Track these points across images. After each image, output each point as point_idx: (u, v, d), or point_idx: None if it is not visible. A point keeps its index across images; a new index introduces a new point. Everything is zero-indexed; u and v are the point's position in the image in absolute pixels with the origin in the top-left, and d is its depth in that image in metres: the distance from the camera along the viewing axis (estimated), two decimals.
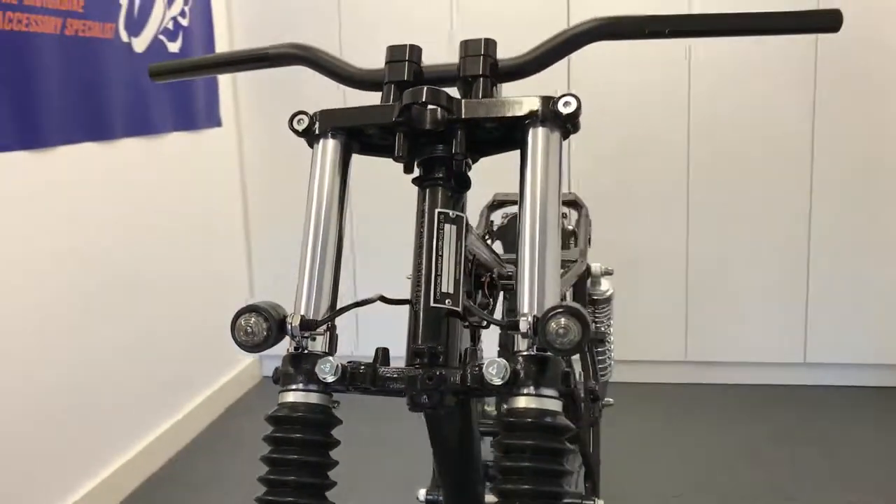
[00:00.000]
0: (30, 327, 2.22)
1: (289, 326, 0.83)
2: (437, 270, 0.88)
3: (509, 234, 2.18)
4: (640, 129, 3.37)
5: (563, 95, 0.88)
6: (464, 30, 3.41)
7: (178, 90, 3.05)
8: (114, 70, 2.64)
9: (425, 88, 0.87)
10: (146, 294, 2.81)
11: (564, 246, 2.06)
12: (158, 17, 2.93)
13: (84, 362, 2.46)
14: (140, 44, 2.81)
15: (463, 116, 0.88)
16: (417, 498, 1.64)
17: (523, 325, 0.78)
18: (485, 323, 0.91)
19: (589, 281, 1.98)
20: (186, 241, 3.11)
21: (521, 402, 0.79)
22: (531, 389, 0.79)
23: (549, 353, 0.80)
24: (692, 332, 3.48)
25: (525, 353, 0.80)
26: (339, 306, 0.89)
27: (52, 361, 2.31)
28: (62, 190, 2.39)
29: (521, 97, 0.89)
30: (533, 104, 0.88)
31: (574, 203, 2.17)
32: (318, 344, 0.86)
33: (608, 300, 2.01)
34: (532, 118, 0.88)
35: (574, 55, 3.35)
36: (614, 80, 3.35)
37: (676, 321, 3.48)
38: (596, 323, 2.04)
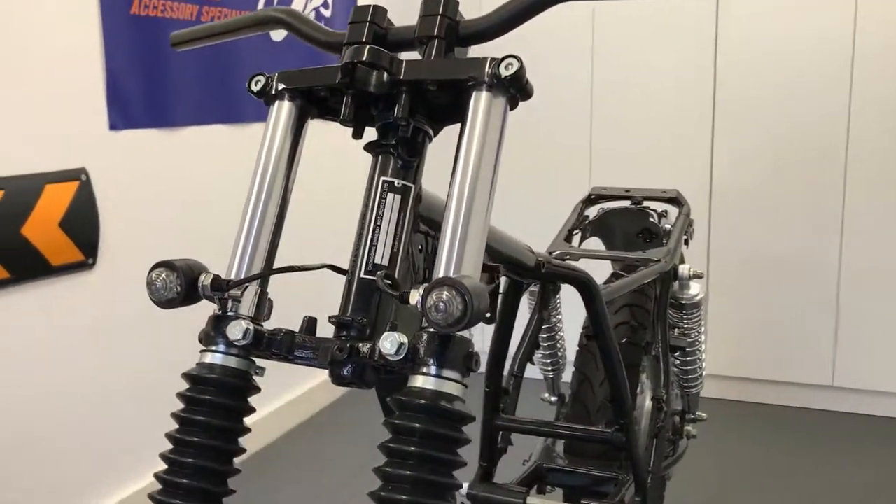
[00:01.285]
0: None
1: (200, 286, 0.82)
2: (373, 241, 0.84)
3: (604, 228, 2.08)
4: (791, 123, 3.10)
5: (505, 57, 0.80)
6: None
7: None
8: (248, 57, 2.77)
9: (367, 48, 0.83)
10: None
11: (657, 245, 1.93)
12: (299, 8, 3.05)
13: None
14: (278, 33, 2.93)
15: (402, 78, 0.83)
16: (459, 492, 1.60)
17: (413, 298, 0.73)
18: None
19: (677, 284, 1.84)
20: (309, 230, 3.21)
21: (419, 381, 0.74)
22: (430, 369, 0.73)
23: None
24: (842, 354, 3.16)
25: (429, 330, 0.74)
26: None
27: (146, 354, 2.46)
28: (189, 167, 2.54)
29: (467, 59, 0.83)
30: (475, 66, 0.81)
31: (675, 200, 2.03)
32: (244, 308, 0.84)
33: (697, 305, 1.86)
34: (474, 81, 0.81)
35: (722, 38, 3.22)
36: (762, 67, 3.10)
37: (824, 341, 3.18)
38: (684, 329, 1.89)
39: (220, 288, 0.82)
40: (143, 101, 2.36)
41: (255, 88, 0.92)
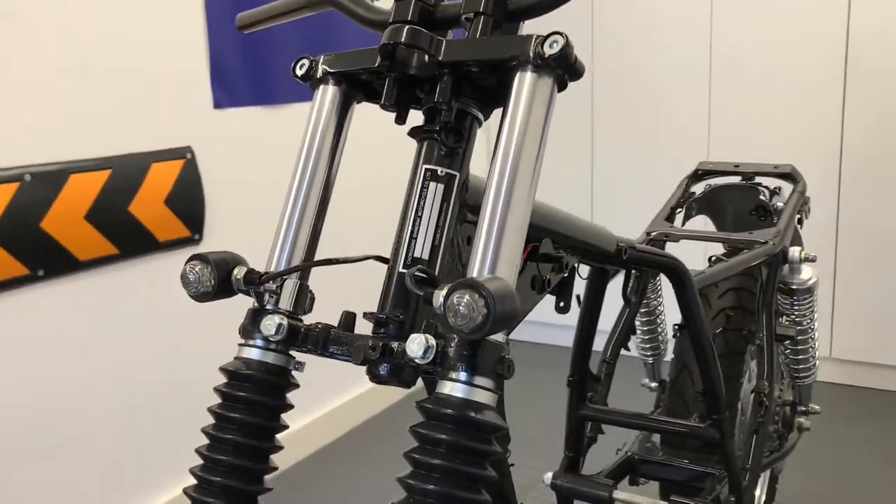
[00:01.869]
0: None
1: (234, 279, 0.79)
2: (413, 233, 0.80)
3: (712, 205, 1.95)
4: None
5: (550, 34, 0.73)
6: None
7: None
8: (352, 31, 2.76)
9: (405, 28, 0.78)
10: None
11: (767, 224, 1.79)
12: None
13: None
14: None
15: (442, 59, 0.78)
16: (543, 481, 1.55)
17: (436, 300, 0.67)
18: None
19: (787, 268, 1.70)
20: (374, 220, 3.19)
21: (447, 387, 0.69)
22: (460, 375, 0.68)
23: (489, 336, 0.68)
24: None
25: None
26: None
27: None
28: (292, 145, 2.57)
29: (510, 37, 0.76)
30: (518, 45, 0.75)
31: (789, 176, 1.87)
32: (282, 301, 0.82)
33: (809, 290, 1.72)
34: (517, 61, 0.75)
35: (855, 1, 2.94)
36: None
37: None
38: (794, 316, 1.75)
39: (253, 282, 0.79)
40: (247, 80, 2.39)
41: (299, 73, 0.88)
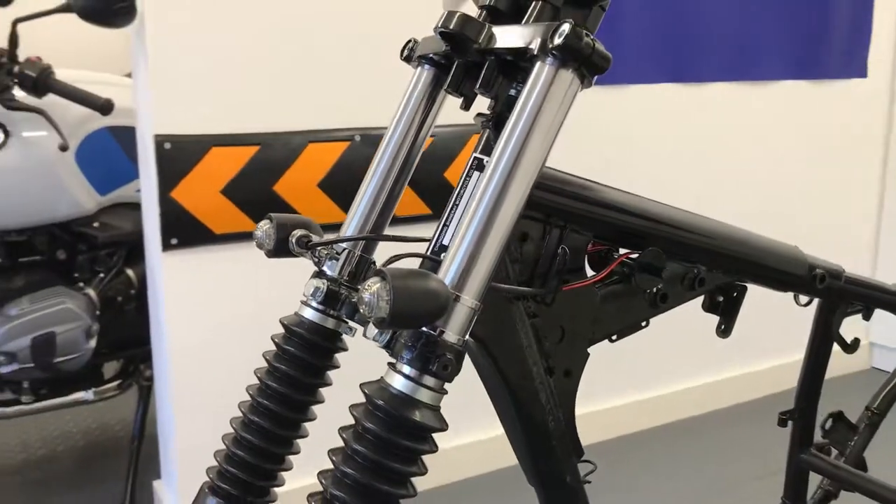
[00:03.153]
0: None
1: (290, 241, 0.86)
2: (446, 221, 0.80)
3: None
4: None
5: (562, 22, 0.66)
6: None
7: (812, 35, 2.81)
8: (712, 11, 2.60)
9: (455, 15, 0.76)
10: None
11: None
12: None
13: None
14: None
15: (480, 45, 0.75)
16: None
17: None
18: None
19: None
20: (816, 197, 2.95)
21: (388, 376, 0.69)
22: (402, 367, 0.68)
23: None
24: None
25: None
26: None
27: None
28: (633, 127, 2.54)
29: (536, 25, 0.70)
30: (537, 32, 0.69)
31: None
32: (334, 268, 0.87)
33: None
34: (537, 50, 0.69)
35: None
36: None
37: None
38: None
39: (304, 246, 0.85)
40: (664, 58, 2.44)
41: (405, 54, 0.91)
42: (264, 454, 0.85)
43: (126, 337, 2.30)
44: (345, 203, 2.09)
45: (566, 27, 0.66)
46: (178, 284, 1.96)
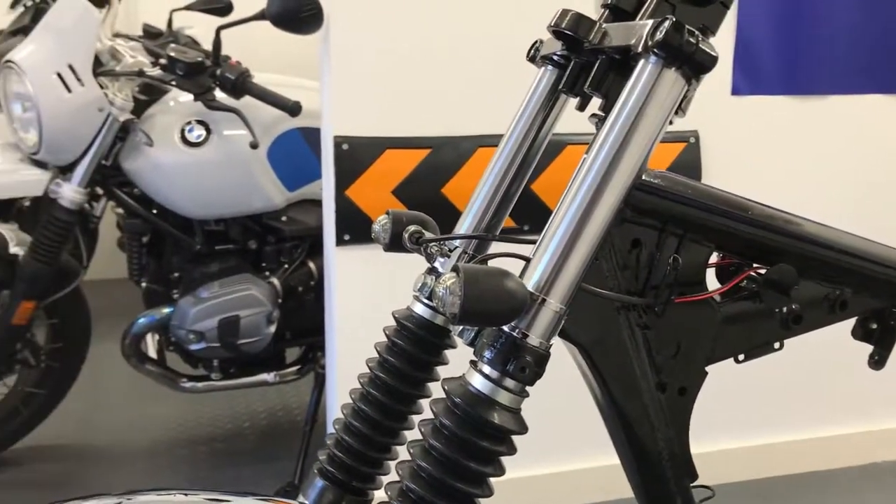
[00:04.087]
0: None
1: (404, 237, 0.88)
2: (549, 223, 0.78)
3: None
4: None
5: (664, 19, 0.63)
6: None
7: None
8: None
9: (568, 13, 0.75)
10: None
11: None
12: None
13: None
14: None
15: (591, 43, 0.72)
16: None
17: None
18: None
19: None
20: None
21: (469, 374, 0.68)
22: (483, 366, 0.67)
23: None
24: None
25: None
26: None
27: None
28: (824, 138, 2.35)
29: (640, 23, 0.67)
30: (642, 29, 0.65)
31: None
32: (445, 265, 0.87)
33: None
34: (640, 48, 0.66)
35: None
36: None
37: None
38: None
39: (416, 242, 0.87)
40: (775, 67, 2.27)
41: (530, 54, 0.90)
42: (371, 442, 0.87)
43: (306, 325, 2.44)
44: (514, 208, 2.10)
45: (667, 23, 0.63)
46: (348, 278, 2.05)
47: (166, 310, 2.27)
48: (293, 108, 2.09)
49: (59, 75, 2.06)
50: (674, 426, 0.81)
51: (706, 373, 0.82)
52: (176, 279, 2.32)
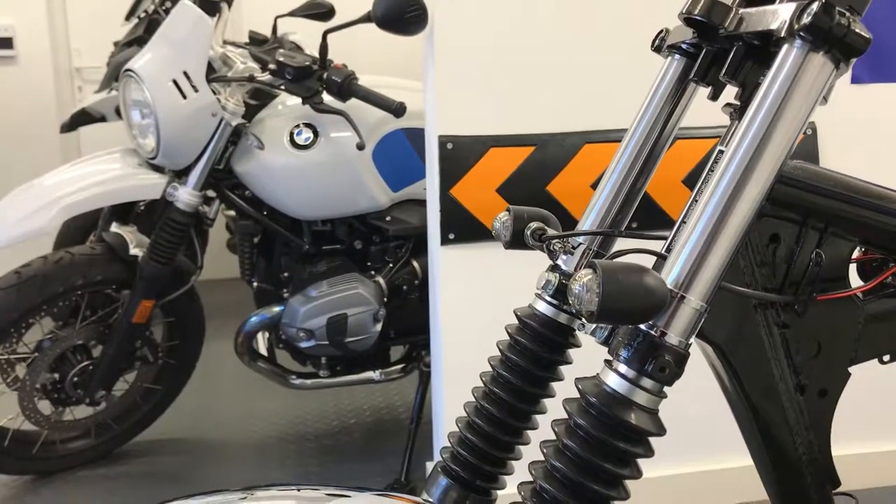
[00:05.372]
0: None
1: (525, 234, 0.86)
2: (685, 217, 0.75)
3: None
4: None
5: (810, 1, 0.59)
6: None
7: None
8: None
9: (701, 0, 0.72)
10: None
11: None
12: None
13: None
14: None
15: (727, 30, 0.69)
16: None
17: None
18: None
19: None
20: None
21: (604, 374, 0.66)
22: (619, 366, 0.65)
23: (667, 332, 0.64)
24: None
25: None
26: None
27: None
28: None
29: (783, 6, 0.64)
30: (786, 12, 0.62)
31: None
32: (568, 262, 0.86)
33: None
34: (784, 32, 0.63)
35: None
36: None
37: None
38: None
39: (538, 239, 0.85)
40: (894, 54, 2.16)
41: (656, 44, 0.88)
42: (494, 441, 0.86)
43: (410, 324, 2.46)
44: None
45: (815, 5, 0.60)
46: (453, 277, 2.05)
47: (277, 308, 2.33)
48: (398, 110, 2.10)
49: (175, 82, 2.13)
50: (814, 430, 0.78)
51: (849, 374, 0.78)
52: (286, 279, 2.37)
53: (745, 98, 0.71)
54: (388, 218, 2.37)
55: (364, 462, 2.59)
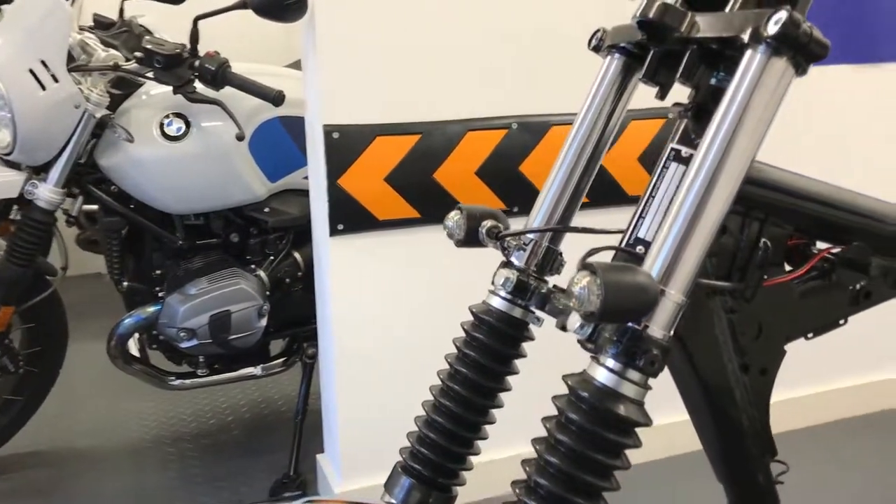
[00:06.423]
0: None
1: (480, 232, 0.88)
2: (642, 213, 0.79)
3: None
4: None
5: (777, 9, 0.64)
6: None
7: None
8: None
9: (657, 2, 0.75)
10: None
11: None
12: None
13: None
14: None
15: (684, 35, 0.73)
16: None
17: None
18: None
19: None
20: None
21: (593, 370, 0.69)
22: (607, 360, 0.68)
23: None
24: None
25: None
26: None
27: None
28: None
29: (745, 12, 0.68)
30: (747, 21, 0.67)
31: None
32: (522, 258, 0.88)
33: None
34: (748, 38, 0.67)
35: None
36: None
37: None
38: None
39: (494, 236, 0.87)
40: (835, 37, 2.36)
41: (593, 43, 0.91)
42: (454, 437, 0.88)
43: (292, 316, 2.41)
44: (502, 191, 2.11)
45: (783, 14, 0.64)
46: (343, 267, 2.03)
47: (152, 308, 2.22)
48: (277, 98, 2.05)
49: (32, 72, 1.97)
50: (756, 406, 0.84)
51: (785, 352, 0.85)
52: (159, 276, 2.27)
53: (700, 99, 0.75)
54: (266, 209, 2.31)
55: (248, 458, 2.53)
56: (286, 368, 2.51)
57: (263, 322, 2.25)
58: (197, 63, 2.04)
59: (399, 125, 2.00)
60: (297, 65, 2.74)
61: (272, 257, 2.33)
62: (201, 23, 2.03)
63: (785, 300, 0.83)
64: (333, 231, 2.00)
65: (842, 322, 0.89)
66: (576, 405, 0.68)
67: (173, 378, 2.36)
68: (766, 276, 0.81)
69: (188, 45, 2.04)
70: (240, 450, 2.59)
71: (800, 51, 0.65)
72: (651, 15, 0.75)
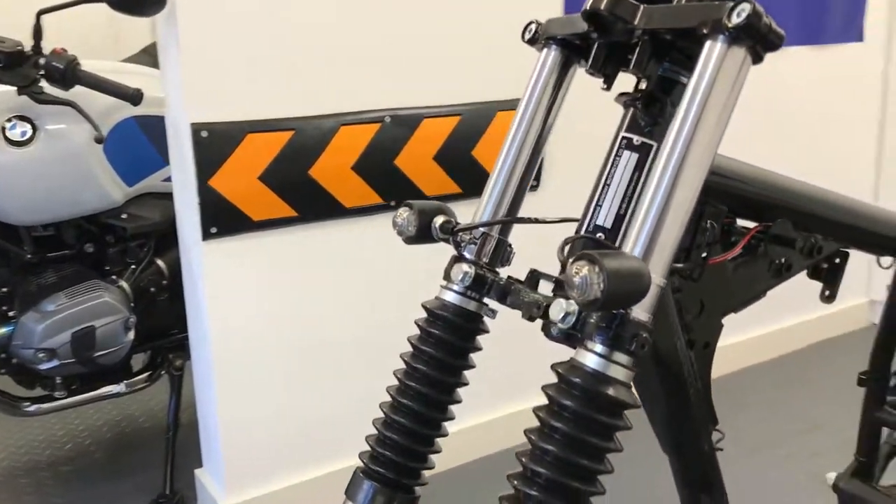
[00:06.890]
0: None
1: (433, 227, 0.87)
2: (598, 200, 0.81)
3: None
4: None
5: (739, 1, 0.68)
6: None
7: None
8: None
9: None
10: None
11: None
12: None
13: None
14: None
15: (635, 25, 0.76)
16: (826, 480, 1.43)
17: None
18: None
19: None
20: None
21: (581, 356, 0.70)
22: (595, 346, 0.69)
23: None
24: None
25: None
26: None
27: None
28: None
29: (703, 4, 0.72)
30: (707, 12, 0.70)
31: None
32: (475, 252, 0.88)
33: None
34: (707, 30, 0.70)
35: None
36: None
37: None
38: None
39: (448, 231, 0.87)
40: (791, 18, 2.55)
41: (526, 36, 0.92)
42: (415, 436, 0.86)
43: (157, 327, 2.29)
44: (379, 185, 2.09)
45: (747, 6, 0.67)
46: (218, 271, 1.95)
47: (3, 330, 2.03)
48: (135, 97, 1.93)
49: None
50: (701, 378, 0.88)
51: (722, 325, 0.90)
52: (6, 294, 2.08)
53: (650, 88, 0.78)
54: (124, 216, 2.17)
55: (116, 481, 2.38)
56: (151, 384, 2.37)
57: (131, 335, 2.12)
58: (42, 61, 1.88)
59: (271, 121, 1.94)
60: (131, 59, 2.59)
61: (133, 266, 2.20)
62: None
63: (722, 277, 0.88)
64: (206, 235, 1.91)
65: (762, 294, 0.95)
66: (568, 392, 0.69)
67: (28, 403, 2.17)
68: (711, 255, 0.85)
69: (31, 42, 1.88)
70: (105, 473, 2.43)
71: (759, 41, 0.69)
72: (602, 8, 0.77)
